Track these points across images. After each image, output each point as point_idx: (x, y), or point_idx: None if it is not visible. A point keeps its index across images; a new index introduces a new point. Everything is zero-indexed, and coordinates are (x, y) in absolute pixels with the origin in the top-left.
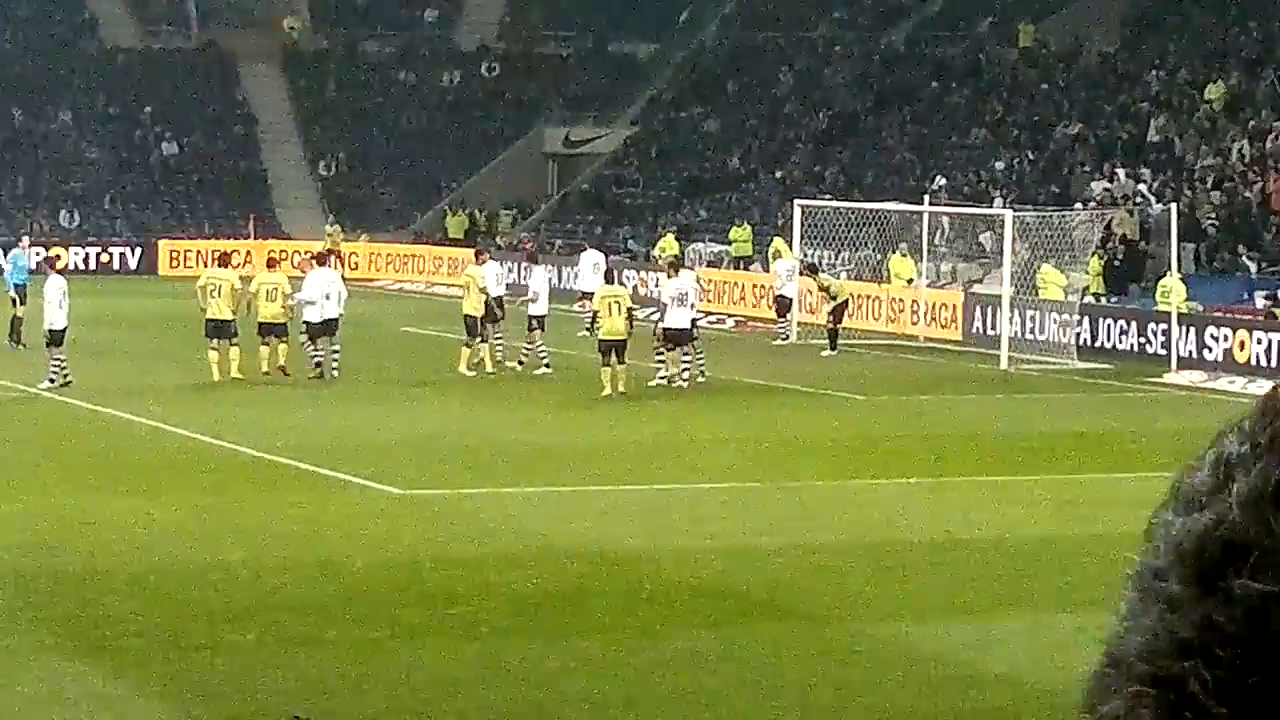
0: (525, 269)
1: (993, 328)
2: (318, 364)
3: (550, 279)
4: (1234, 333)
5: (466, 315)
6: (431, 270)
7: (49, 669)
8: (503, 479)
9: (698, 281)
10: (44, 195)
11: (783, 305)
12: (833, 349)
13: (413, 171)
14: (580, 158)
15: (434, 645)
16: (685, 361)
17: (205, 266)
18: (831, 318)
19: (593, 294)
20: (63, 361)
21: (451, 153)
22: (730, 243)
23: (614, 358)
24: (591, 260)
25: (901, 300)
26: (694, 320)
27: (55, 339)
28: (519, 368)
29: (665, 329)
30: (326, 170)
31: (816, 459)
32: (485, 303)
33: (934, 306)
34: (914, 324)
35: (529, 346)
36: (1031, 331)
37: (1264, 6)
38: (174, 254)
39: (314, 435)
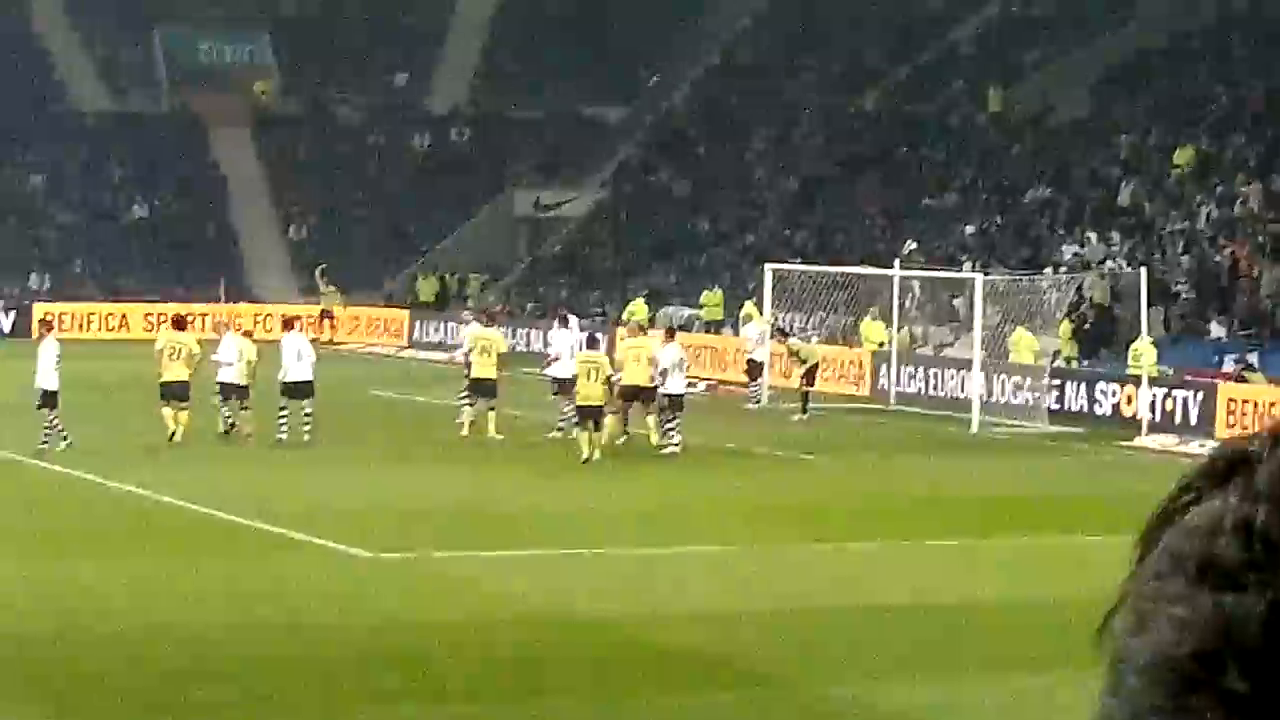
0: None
1: (898, 383)
2: (232, 424)
3: (576, 342)
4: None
5: (481, 379)
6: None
7: None
8: (474, 542)
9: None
10: (14, 257)
11: (754, 369)
12: (804, 413)
13: (384, 234)
14: (551, 221)
15: (404, 708)
16: (669, 426)
17: (47, 331)
18: (804, 381)
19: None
20: (56, 423)
21: (423, 216)
22: (701, 306)
23: (591, 422)
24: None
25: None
26: (655, 387)
27: (49, 401)
28: (559, 435)
29: (671, 395)
30: (297, 233)
31: (787, 522)
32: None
33: (842, 364)
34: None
35: (564, 414)
36: (997, 395)
37: (1232, 71)
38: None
39: (285, 498)
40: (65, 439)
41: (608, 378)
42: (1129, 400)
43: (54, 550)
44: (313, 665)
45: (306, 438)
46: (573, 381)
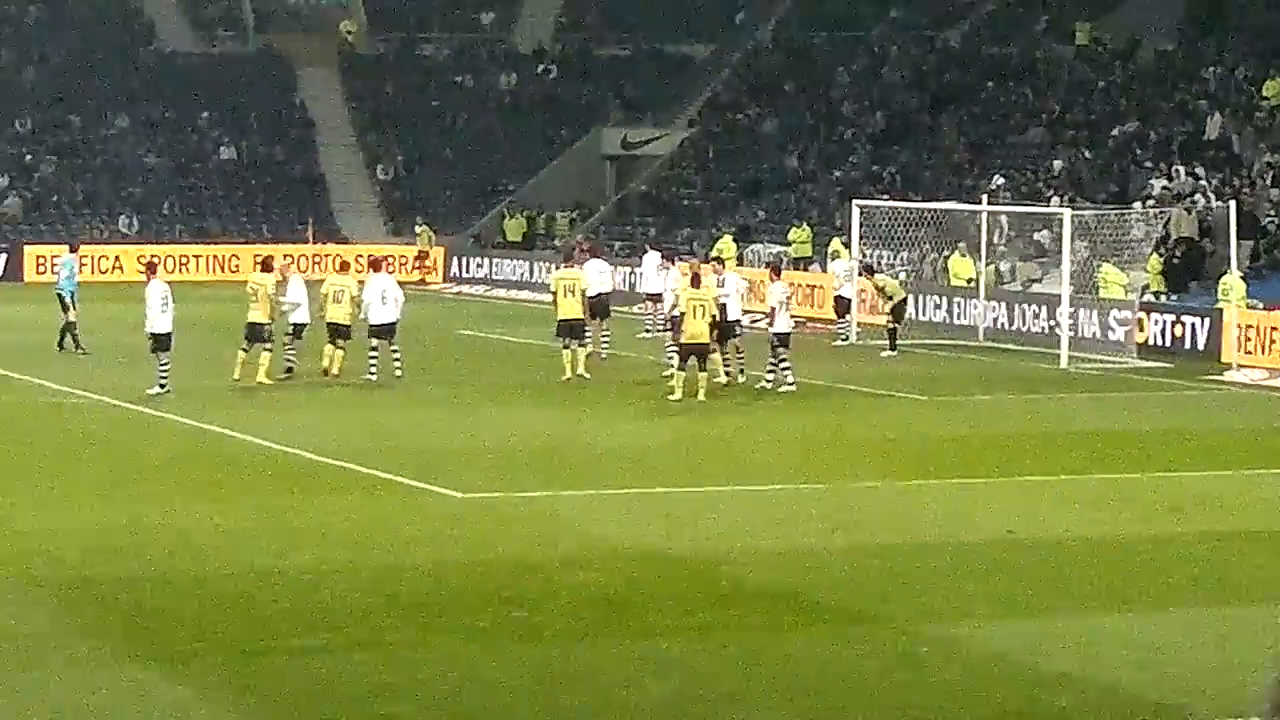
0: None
1: (986, 320)
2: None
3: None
4: None
5: (569, 319)
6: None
7: (114, 674)
8: (564, 482)
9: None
10: (102, 201)
11: (842, 306)
12: (892, 349)
13: (470, 174)
14: (638, 159)
15: (496, 649)
16: (786, 366)
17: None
18: (891, 318)
19: (658, 295)
20: (166, 366)
21: (509, 155)
22: (789, 243)
23: (696, 360)
24: (654, 262)
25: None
26: (739, 320)
27: (159, 344)
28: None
29: (776, 334)
30: (384, 174)
31: (877, 460)
32: (585, 303)
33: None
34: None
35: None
36: (1086, 331)
37: None
38: (40, 259)
39: (375, 439)
40: (164, 386)
41: (713, 316)
42: (1217, 334)
43: (148, 495)
44: (406, 607)
45: (399, 374)
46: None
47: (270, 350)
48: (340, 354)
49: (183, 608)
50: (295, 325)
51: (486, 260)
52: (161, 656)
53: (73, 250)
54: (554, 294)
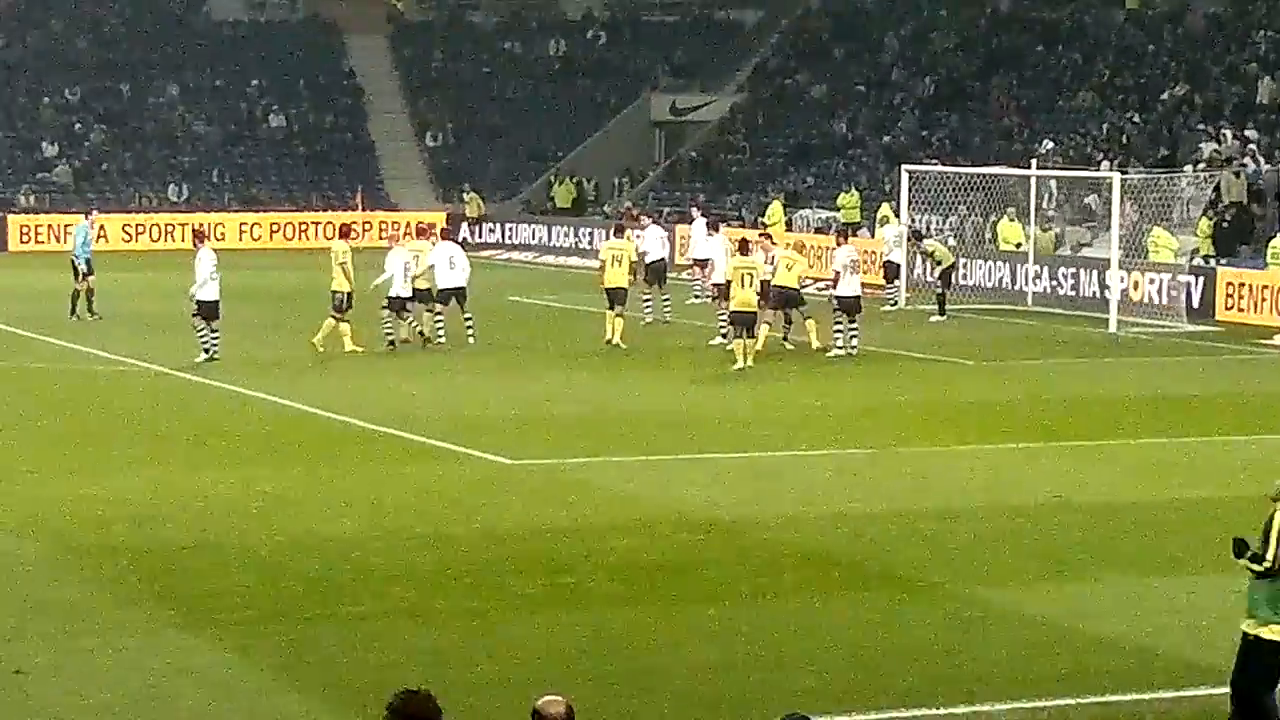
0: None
1: (1036, 284)
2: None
3: (728, 248)
4: None
5: (614, 287)
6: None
7: (162, 642)
8: (611, 448)
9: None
10: (152, 169)
11: (891, 271)
12: (941, 314)
13: (519, 141)
14: (687, 125)
15: (544, 615)
16: (853, 330)
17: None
18: (940, 282)
19: (706, 260)
20: (216, 334)
21: (558, 122)
22: (838, 209)
23: (745, 329)
24: (701, 227)
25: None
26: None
27: (208, 311)
28: (723, 341)
29: (838, 298)
30: (433, 140)
31: (925, 425)
32: (636, 269)
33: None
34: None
35: (723, 317)
36: (1136, 295)
37: None
38: (24, 230)
39: (422, 406)
40: (207, 352)
41: (764, 282)
42: (1269, 298)
43: (194, 461)
44: (454, 574)
45: (471, 340)
46: (729, 287)
47: (336, 319)
48: (428, 316)
49: (228, 575)
50: (391, 298)
51: (500, 228)
52: (205, 623)
53: (86, 216)
54: (602, 263)
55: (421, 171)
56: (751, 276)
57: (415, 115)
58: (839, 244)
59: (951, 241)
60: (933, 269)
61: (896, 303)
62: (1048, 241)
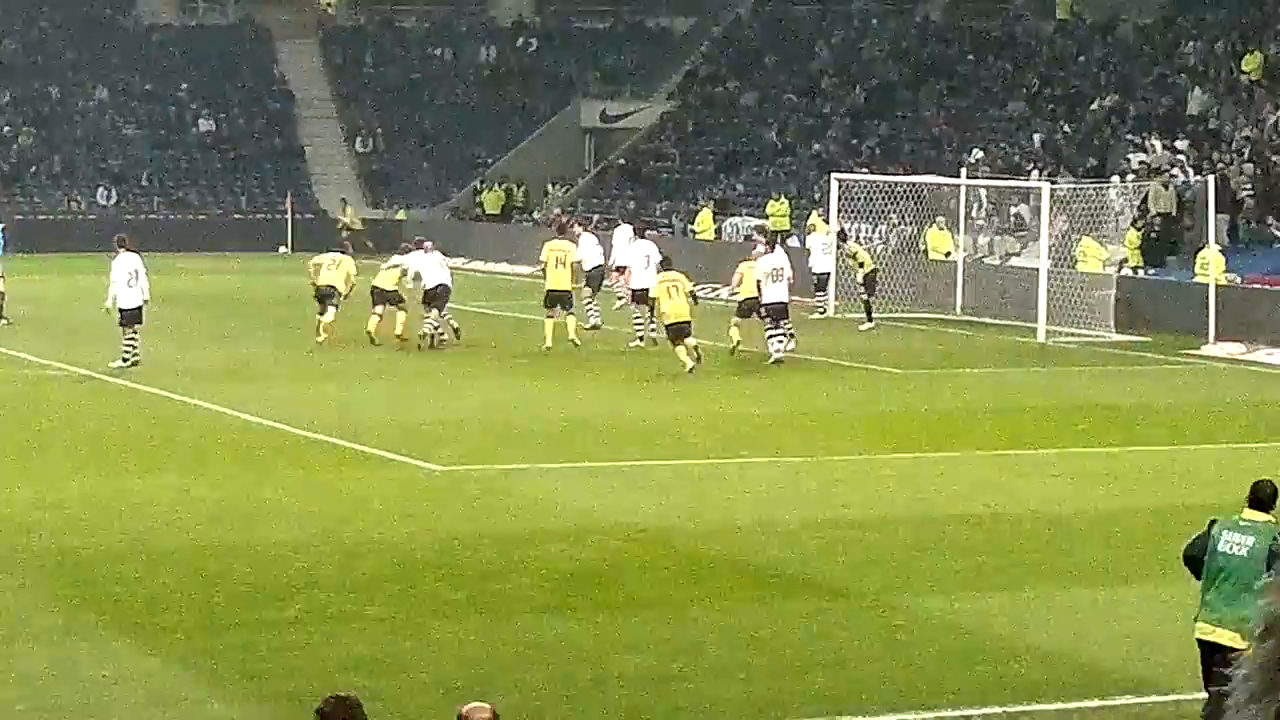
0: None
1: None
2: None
3: (650, 254)
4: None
5: (556, 290)
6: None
7: (94, 649)
8: (542, 455)
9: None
10: (81, 173)
11: (820, 279)
12: (869, 321)
13: (449, 147)
14: (617, 132)
15: (473, 622)
16: (780, 333)
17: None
18: (864, 289)
19: (625, 267)
20: (135, 341)
21: (488, 128)
22: (768, 217)
23: (684, 338)
24: (625, 234)
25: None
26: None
27: (124, 318)
28: (640, 345)
29: (766, 304)
30: (363, 146)
31: (855, 433)
32: (578, 274)
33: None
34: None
35: (638, 323)
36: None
37: None
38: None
39: (354, 412)
40: (125, 360)
41: (690, 292)
42: (1196, 308)
43: (125, 466)
44: (385, 581)
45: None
46: (646, 293)
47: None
48: (402, 315)
49: (156, 580)
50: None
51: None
52: (134, 628)
53: None
54: (544, 264)
55: (351, 177)
56: (678, 288)
57: (345, 120)
58: (767, 252)
59: (877, 249)
60: (858, 272)
61: (825, 310)
62: (971, 250)
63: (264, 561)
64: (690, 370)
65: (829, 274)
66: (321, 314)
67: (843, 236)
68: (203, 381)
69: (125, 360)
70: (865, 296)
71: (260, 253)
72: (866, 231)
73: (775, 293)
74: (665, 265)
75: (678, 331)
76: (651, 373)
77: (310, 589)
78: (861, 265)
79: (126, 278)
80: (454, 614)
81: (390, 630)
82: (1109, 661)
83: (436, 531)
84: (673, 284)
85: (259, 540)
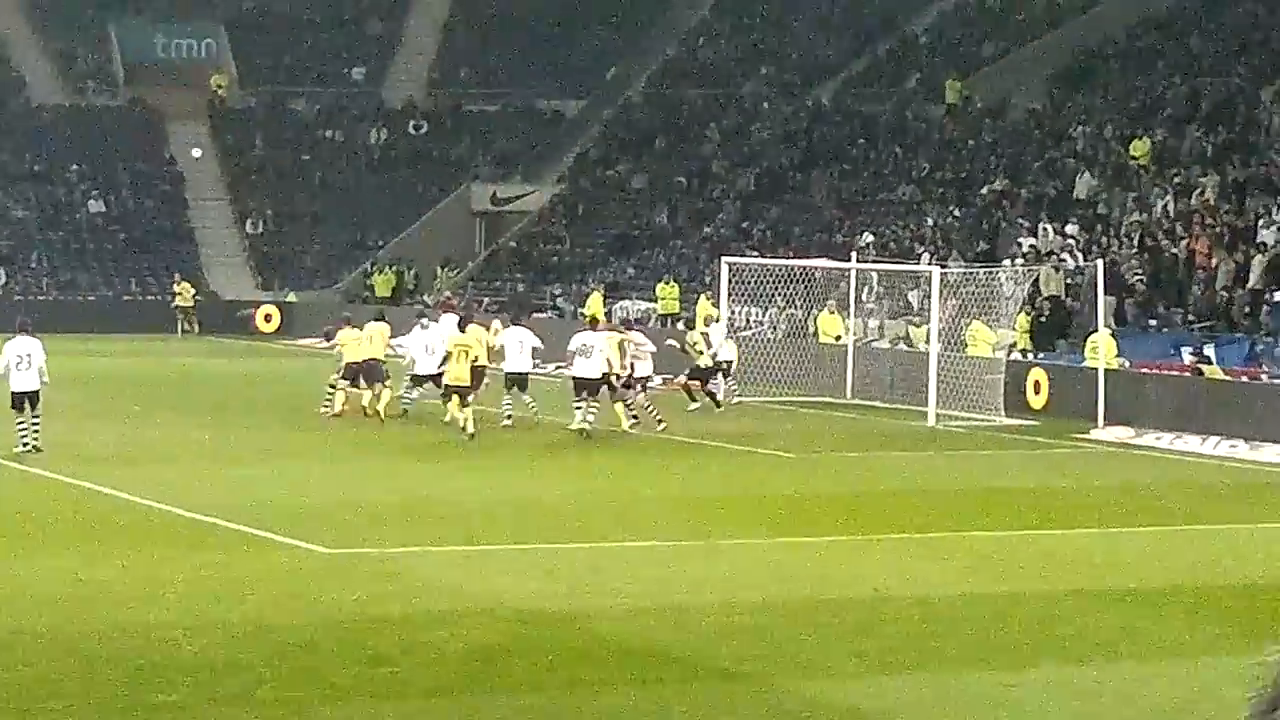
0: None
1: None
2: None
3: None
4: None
5: (456, 383)
6: None
7: None
8: (432, 537)
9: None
10: None
11: (725, 368)
12: (695, 402)
13: (340, 229)
14: (508, 215)
15: (362, 705)
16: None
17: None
18: (691, 377)
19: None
20: (23, 425)
21: (379, 210)
22: (657, 300)
23: (457, 398)
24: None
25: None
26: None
27: (14, 401)
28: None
29: (574, 378)
30: (253, 228)
31: (748, 516)
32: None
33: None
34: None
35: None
36: (953, 389)
37: (1188, 63)
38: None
39: (243, 495)
40: (25, 446)
41: (475, 357)
42: (1085, 393)
43: (8, 548)
44: (270, 664)
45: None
46: (429, 377)
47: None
48: (387, 393)
49: (42, 664)
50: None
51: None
52: (20, 714)
53: None
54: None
55: (241, 258)
56: (466, 353)
57: (235, 202)
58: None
59: (770, 333)
60: (695, 359)
61: (738, 397)
62: (861, 334)
63: (150, 644)
64: (471, 435)
65: (733, 361)
66: (351, 388)
67: (689, 325)
68: (92, 463)
69: (25, 446)
70: (686, 381)
71: (151, 334)
72: (757, 315)
73: (514, 363)
74: (461, 327)
75: (452, 391)
76: (540, 453)
77: (198, 671)
78: (700, 354)
79: (16, 360)
80: (344, 697)
81: (279, 713)
82: None
83: (326, 614)
84: (464, 349)
85: (145, 622)
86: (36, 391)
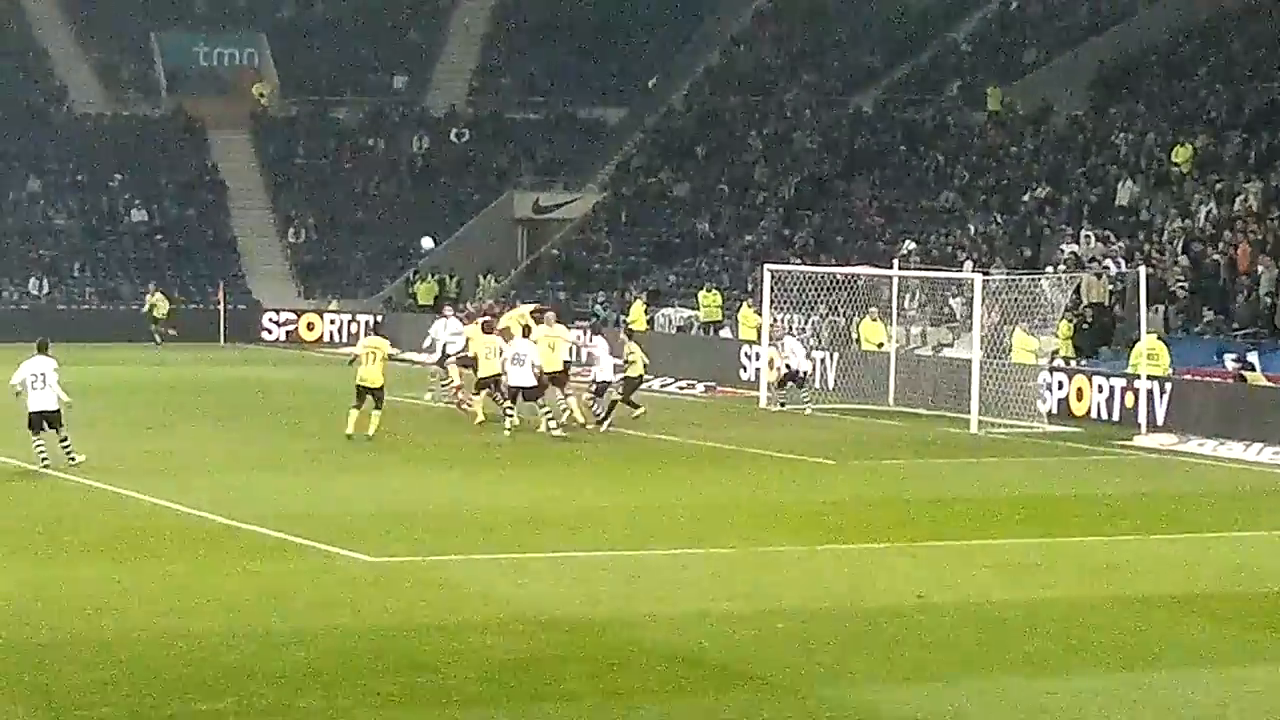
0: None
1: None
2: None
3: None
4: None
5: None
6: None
7: None
8: (473, 545)
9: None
10: (12, 263)
11: (796, 377)
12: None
13: (382, 238)
14: (550, 223)
15: (405, 713)
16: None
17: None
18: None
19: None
20: (39, 446)
21: (421, 219)
22: (699, 307)
23: (371, 398)
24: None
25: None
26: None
27: (31, 422)
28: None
29: (510, 386)
30: (295, 237)
31: (789, 524)
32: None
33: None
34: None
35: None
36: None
37: (1230, 69)
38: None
39: (284, 503)
40: (45, 460)
41: (387, 356)
42: (1128, 400)
43: (52, 556)
44: (312, 672)
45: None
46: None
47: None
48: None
49: (86, 671)
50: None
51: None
52: None
53: None
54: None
55: (283, 267)
56: (376, 354)
57: (277, 211)
58: (522, 335)
59: (813, 341)
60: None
61: (798, 405)
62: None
63: (195, 653)
64: (350, 436)
65: (808, 371)
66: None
67: (629, 334)
68: (134, 472)
69: (45, 463)
70: (618, 397)
71: (193, 343)
72: (799, 322)
73: (517, 376)
74: (375, 330)
75: (362, 393)
76: (580, 462)
77: (242, 680)
78: (631, 364)
79: (31, 379)
80: (385, 705)
81: None
82: None
83: (367, 622)
84: (373, 349)
85: (187, 631)
86: (57, 411)
